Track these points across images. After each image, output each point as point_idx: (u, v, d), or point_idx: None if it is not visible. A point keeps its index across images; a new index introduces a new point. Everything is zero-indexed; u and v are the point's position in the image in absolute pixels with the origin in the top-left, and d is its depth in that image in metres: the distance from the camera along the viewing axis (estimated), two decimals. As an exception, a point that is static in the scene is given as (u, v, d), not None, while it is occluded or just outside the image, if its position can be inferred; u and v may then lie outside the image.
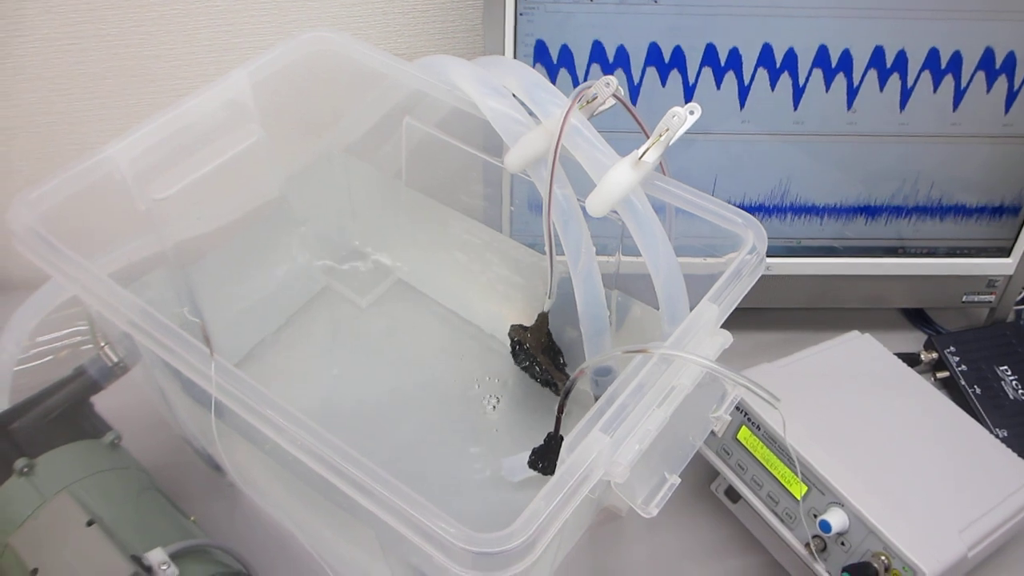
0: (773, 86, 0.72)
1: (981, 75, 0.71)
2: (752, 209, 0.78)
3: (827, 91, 0.72)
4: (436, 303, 0.82)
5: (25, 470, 0.57)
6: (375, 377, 0.76)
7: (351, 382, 0.76)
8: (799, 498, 0.62)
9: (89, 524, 0.54)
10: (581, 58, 0.71)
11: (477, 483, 0.69)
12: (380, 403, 0.74)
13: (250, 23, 0.83)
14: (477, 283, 0.80)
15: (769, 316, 0.86)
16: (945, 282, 0.83)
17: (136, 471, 0.62)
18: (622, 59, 0.71)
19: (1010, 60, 0.71)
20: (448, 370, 0.77)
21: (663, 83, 0.72)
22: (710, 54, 0.71)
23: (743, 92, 0.72)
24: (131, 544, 0.54)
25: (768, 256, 0.78)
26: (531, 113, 0.60)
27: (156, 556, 0.52)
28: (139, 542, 0.54)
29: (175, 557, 0.53)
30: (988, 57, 0.71)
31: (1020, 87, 0.72)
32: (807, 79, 0.71)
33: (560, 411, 0.60)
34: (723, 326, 0.53)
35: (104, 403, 0.64)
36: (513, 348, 0.73)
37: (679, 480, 0.49)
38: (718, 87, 0.72)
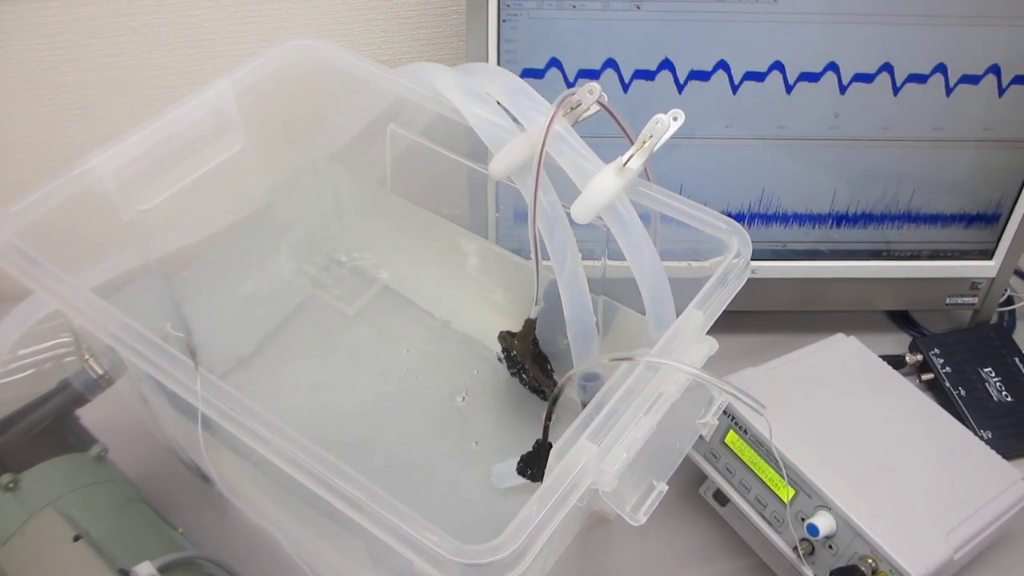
0: (756, 91, 0.72)
1: (962, 80, 0.72)
2: (738, 213, 0.78)
3: (809, 96, 0.72)
4: (423, 310, 0.82)
5: (10, 485, 0.57)
6: (363, 385, 0.76)
7: (339, 390, 0.76)
8: (787, 502, 0.63)
9: (76, 539, 0.54)
10: (564, 64, 0.71)
11: (467, 490, 0.69)
12: (368, 411, 0.74)
13: (233, 32, 0.82)
14: (464, 290, 0.80)
15: (755, 319, 0.87)
16: (929, 285, 0.83)
17: (123, 484, 0.61)
18: (606, 65, 0.71)
19: (990, 66, 0.71)
20: (436, 377, 0.77)
21: (647, 88, 0.72)
22: (693, 59, 0.71)
23: (727, 97, 0.72)
24: (118, 558, 0.54)
25: (754, 259, 0.78)
26: (515, 120, 0.60)
27: (144, 570, 0.52)
28: (126, 556, 0.54)
29: (163, 570, 0.53)
30: (968, 63, 0.71)
31: (1000, 92, 0.73)
32: (789, 84, 0.72)
33: (548, 418, 0.60)
34: (710, 328, 0.54)
35: (89, 416, 0.64)
36: (502, 355, 0.73)
37: (667, 487, 0.50)
38: (702, 92, 0.72)
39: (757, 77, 0.71)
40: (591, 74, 0.71)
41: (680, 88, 0.72)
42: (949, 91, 0.72)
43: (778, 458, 0.63)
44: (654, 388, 0.49)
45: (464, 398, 0.75)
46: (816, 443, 0.64)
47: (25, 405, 0.61)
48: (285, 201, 0.77)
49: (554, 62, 0.71)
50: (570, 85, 0.72)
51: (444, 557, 0.40)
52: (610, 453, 0.46)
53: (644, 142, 0.56)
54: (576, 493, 0.44)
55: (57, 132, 0.84)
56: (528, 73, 0.71)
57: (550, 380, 0.70)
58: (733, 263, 0.55)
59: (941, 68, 0.71)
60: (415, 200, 0.77)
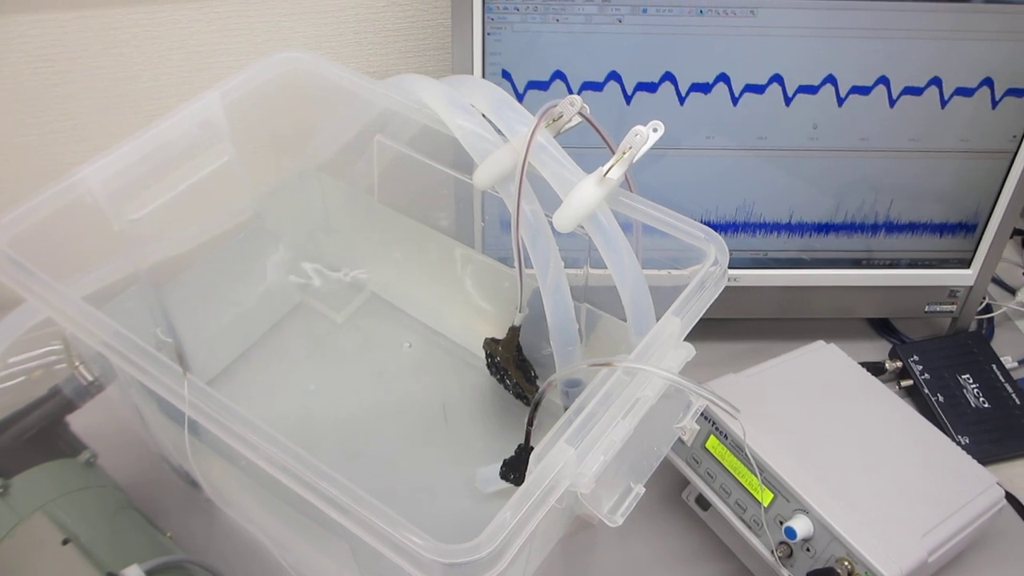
0: (736, 103, 0.73)
1: (937, 93, 0.73)
2: (720, 222, 0.80)
3: (789, 108, 0.74)
4: (411, 317, 0.83)
5: (0, 490, 0.57)
6: (351, 392, 0.77)
7: (327, 397, 0.77)
8: (766, 505, 0.64)
9: (65, 543, 0.55)
10: (548, 77, 0.72)
11: (452, 494, 0.70)
12: (356, 417, 0.75)
13: (222, 44, 0.83)
14: (451, 297, 0.81)
15: (737, 326, 0.88)
16: (908, 293, 0.85)
17: (112, 489, 0.62)
18: (589, 77, 0.72)
19: (966, 78, 0.73)
20: (423, 383, 0.78)
21: (629, 100, 0.73)
22: (675, 72, 0.72)
23: (707, 109, 0.74)
24: (107, 562, 0.54)
25: (736, 268, 0.79)
26: (499, 131, 0.61)
27: (132, 573, 0.53)
28: (115, 560, 0.55)
29: (151, 573, 0.54)
30: (945, 75, 0.73)
31: (976, 105, 0.74)
32: (768, 96, 0.73)
33: (529, 423, 0.61)
34: (693, 336, 0.55)
35: (79, 422, 0.65)
36: (487, 361, 0.74)
37: (644, 489, 0.51)
38: (682, 103, 0.73)
39: (736, 89, 0.73)
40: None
41: (660, 100, 0.73)
42: (924, 103, 0.74)
43: (753, 461, 0.64)
44: (632, 393, 0.50)
45: (451, 404, 0.76)
46: (795, 448, 0.65)
47: (15, 411, 0.62)
48: (274, 211, 0.78)
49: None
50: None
51: (424, 557, 0.41)
52: (588, 456, 0.47)
53: (624, 153, 0.57)
54: (554, 495, 0.45)
55: (48, 143, 0.85)
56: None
57: (533, 386, 0.71)
58: (710, 271, 0.56)
59: (916, 80, 0.73)
60: (402, 210, 0.78)
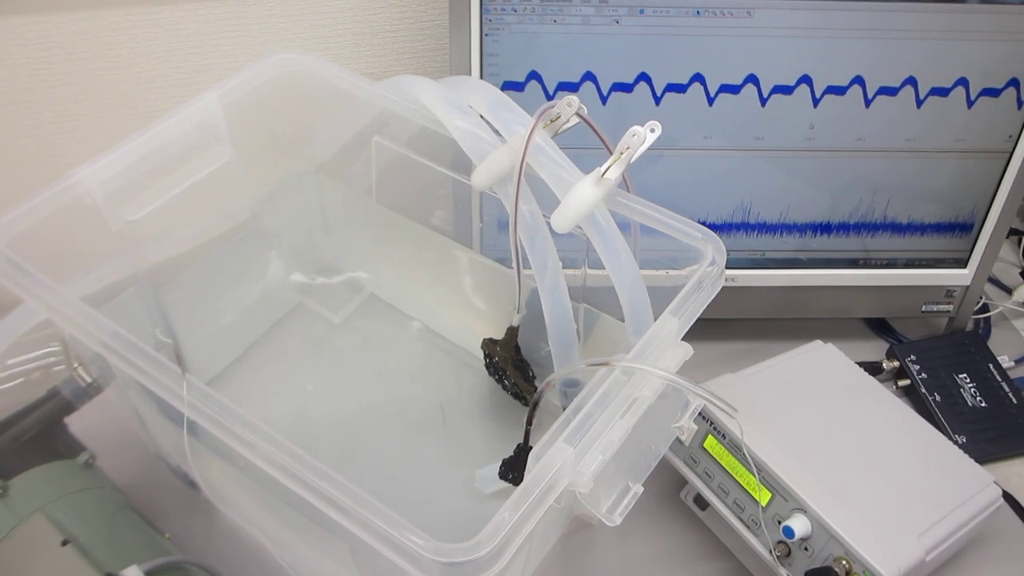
0: (732, 103, 0.73)
1: (932, 92, 0.74)
2: (717, 222, 0.80)
3: (784, 108, 0.74)
4: (409, 318, 0.83)
5: (-1, 491, 0.57)
6: (349, 392, 0.77)
7: (325, 398, 0.77)
8: (763, 505, 0.64)
9: (64, 544, 0.55)
10: (545, 77, 0.72)
11: (451, 494, 0.70)
12: (354, 418, 0.75)
13: (220, 45, 0.84)
14: (449, 298, 0.81)
15: (735, 326, 0.88)
16: (905, 292, 0.85)
17: (111, 490, 0.62)
18: (586, 78, 0.72)
19: (959, 78, 0.73)
20: (421, 384, 0.78)
21: (627, 101, 0.73)
22: (671, 72, 0.72)
23: (704, 109, 0.74)
24: (106, 563, 0.55)
25: (733, 268, 0.79)
26: (497, 132, 0.61)
27: (131, 573, 0.53)
28: (114, 561, 0.55)
29: (150, 575, 0.54)
30: (940, 76, 0.73)
31: (970, 104, 0.74)
32: (765, 97, 0.73)
33: (528, 423, 0.61)
34: (690, 335, 0.55)
35: (78, 423, 0.65)
36: (485, 361, 0.74)
37: (642, 489, 0.51)
38: (679, 104, 0.73)
39: (732, 89, 0.73)
40: (570, 87, 0.73)
41: (657, 100, 0.73)
42: (920, 103, 0.74)
43: (750, 460, 0.64)
44: (630, 392, 0.50)
45: (449, 404, 0.76)
46: (793, 447, 0.65)
47: (14, 413, 0.62)
48: (272, 212, 0.79)
49: (534, 75, 0.72)
50: (550, 98, 0.73)
51: (423, 556, 0.41)
52: (586, 455, 0.47)
53: (621, 153, 0.57)
54: (553, 494, 0.45)
55: (46, 145, 0.85)
56: (509, 86, 0.73)
57: (531, 386, 0.71)
58: (708, 271, 0.56)
59: (911, 81, 0.73)
60: (400, 210, 0.78)
